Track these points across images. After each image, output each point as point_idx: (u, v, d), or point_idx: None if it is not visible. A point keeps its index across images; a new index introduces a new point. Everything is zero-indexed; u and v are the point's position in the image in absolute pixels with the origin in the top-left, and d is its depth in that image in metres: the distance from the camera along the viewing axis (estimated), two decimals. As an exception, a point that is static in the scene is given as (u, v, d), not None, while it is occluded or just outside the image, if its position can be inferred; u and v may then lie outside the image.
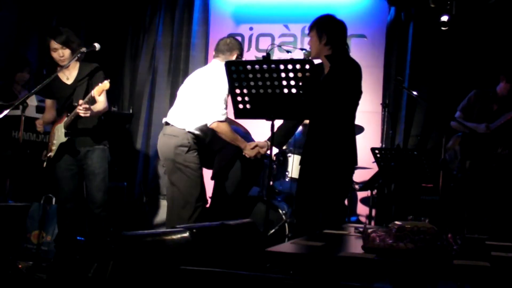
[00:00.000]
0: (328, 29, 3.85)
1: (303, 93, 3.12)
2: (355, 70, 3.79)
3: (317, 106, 3.15)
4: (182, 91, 4.46)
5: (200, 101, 4.29)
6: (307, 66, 3.06)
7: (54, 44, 4.29)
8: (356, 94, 3.83)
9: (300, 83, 3.10)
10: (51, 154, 4.36)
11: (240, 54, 4.45)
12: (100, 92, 4.10)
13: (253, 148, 4.26)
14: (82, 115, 4.04)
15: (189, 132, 4.28)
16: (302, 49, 3.96)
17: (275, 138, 3.96)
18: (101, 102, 4.27)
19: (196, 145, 4.32)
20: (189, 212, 4.23)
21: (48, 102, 4.55)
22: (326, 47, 3.84)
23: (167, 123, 4.37)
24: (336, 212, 3.82)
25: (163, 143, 4.35)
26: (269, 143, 4.10)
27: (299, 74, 3.09)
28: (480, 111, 5.10)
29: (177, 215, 4.28)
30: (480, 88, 5.23)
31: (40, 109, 5.43)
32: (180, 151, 4.24)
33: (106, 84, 4.06)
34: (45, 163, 4.39)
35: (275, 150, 5.49)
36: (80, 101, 4.05)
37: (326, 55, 3.84)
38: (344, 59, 3.83)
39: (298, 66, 3.07)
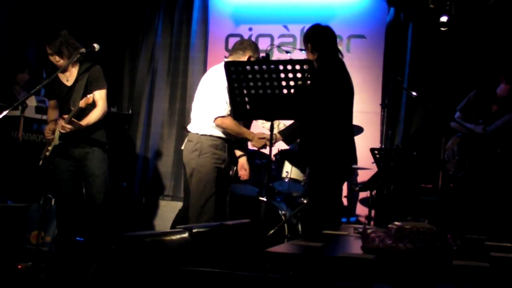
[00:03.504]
0: (311, 38, 4.01)
1: (302, 94, 3.12)
2: (337, 69, 3.87)
3: (312, 106, 3.15)
4: (196, 95, 4.48)
5: (204, 101, 4.30)
6: (306, 67, 3.06)
7: (48, 50, 4.31)
8: (342, 92, 3.87)
9: (299, 84, 3.10)
10: (47, 154, 4.36)
11: (253, 56, 4.38)
12: (85, 104, 4.20)
13: (261, 139, 4.24)
14: (64, 131, 4.20)
15: (203, 135, 4.25)
16: (301, 50, 3.97)
17: (284, 134, 4.00)
18: (94, 112, 4.33)
19: (215, 147, 4.25)
20: (194, 215, 4.23)
21: (51, 102, 4.55)
22: (313, 55, 3.96)
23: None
24: (323, 213, 3.80)
25: (183, 149, 4.41)
26: (278, 136, 4.17)
27: (299, 75, 3.09)
28: (479, 111, 5.10)
29: (190, 219, 4.32)
30: (479, 88, 5.23)
31: (39, 110, 5.43)
32: (193, 156, 4.24)
33: (89, 98, 4.20)
34: (41, 162, 4.38)
35: (274, 150, 5.50)
36: (62, 122, 4.18)
37: (314, 59, 3.93)
38: (328, 60, 3.92)
39: (297, 67, 3.07)
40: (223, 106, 4.21)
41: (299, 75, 3.09)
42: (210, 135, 4.25)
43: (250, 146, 4.63)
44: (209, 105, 4.25)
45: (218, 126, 4.23)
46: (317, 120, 3.72)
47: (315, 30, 4.04)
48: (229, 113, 4.22)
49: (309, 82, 3.08)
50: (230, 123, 4.24)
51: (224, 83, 4.19)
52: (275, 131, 4.25)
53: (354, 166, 6.05)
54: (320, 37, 4.01)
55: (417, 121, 6.26)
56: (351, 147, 3.96)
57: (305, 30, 4.10)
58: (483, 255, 2.45)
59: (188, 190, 4.91)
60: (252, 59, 4.36)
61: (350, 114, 3.98)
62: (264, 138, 4.23)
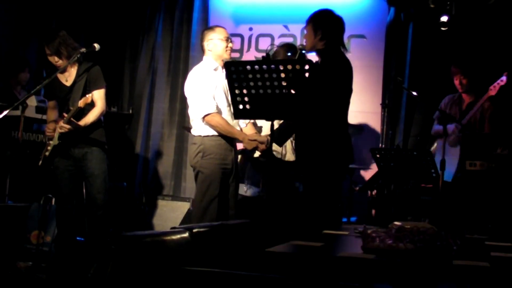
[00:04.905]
0: (324, 24, 3.86)
1: (302, 93, 3.11)
2: (344, 67, 3.78)
3: (310, 104, 3.14)
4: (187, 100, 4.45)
5: (192, 102, 4.29)
6: (307, 67, 3.06)
7: (47, 50, 4.31)
8: (344, 91, 3.81)
9: (299, 83, 3.10)
10: (47, 153, 4.36)
11: (217, 36, 4.31)
12: (84, 104, 4.19)
13: (252, 141, 4.18)
14: (63, 131, 4.19)
15: (206, 136, 4.22)
16: (301, 49, 3.94)
17: (274, 136, 3.95)
18: (93, 112, 4.33)
19: (220, 147, 4.21)
20: (197, 215, 4.23)
21: (50, 103, 4.56)
22: (320, 42, 3.84)
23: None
24: (324, 212, 3.76)
25: (188, 152, 4.41)
26: (269, 139, 4.09)
27: (299, 74, 3.08)
28: (452, 113, 5.16)
29: (192, 218, 4.33)
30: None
31: (39, 110, 5.43)
32: (198, 158, 4.22)
33: (88, 98, 4.19)
34: (40, 161, 4.38)
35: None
36: (61, 123, 4.16)
37: (318, 50, 3.85)
38: (335, 55, 3.82)
39: (297, 67, 3.07)
40: (210, 102, 4.17)
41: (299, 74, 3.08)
42: (213, 135, 4.22)
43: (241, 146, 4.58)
44: (197, 104, 4.22)
45: (207, 124, 4.19)
46: (318, 118, 3.68)
47: (330, 17, 3.89)
48: (216, 110, 4.17)
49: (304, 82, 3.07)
50: (219, 120, 4.17)
51: (207, 79, 4.20)
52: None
53: (355, 166, 6.06)
54: (333, 26, 3.88)
55: (417, 121, 6.26)
56: (348, 145, 3.93)
57: (316, 11, 3.92)
58: (483, 255, 2.45)
59: None
60: (215, 40, 4.29)
61: (347, 112, 3.95)
62: (255, 140, 4.17)
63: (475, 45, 5.96)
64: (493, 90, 5.02)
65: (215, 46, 4.30)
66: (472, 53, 5.95)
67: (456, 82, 5.25)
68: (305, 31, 4.01)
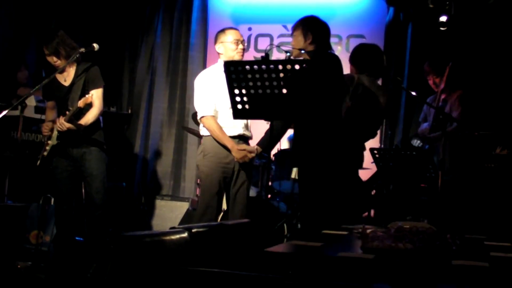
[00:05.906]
0: (314, 28, 3.92)
1: (301, 92, 3.12)
2: (335, 63, 3.83)
3: (311, 104, 3.14)
4: None
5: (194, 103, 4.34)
6: (306, 66, 3.06)
7: (45, 50, 4.31)
8: (340, 87, 3.86)
9: (299, 83, 3.10)
10: (45, 153, 4.35)
11: (228, 39, 4.29)
12: (84, 104, 4.17)
13: (241, 150, 4.19)
14: (61, 129, 4.17)
15: (207, 136, 4.25)
16: (300, 50, 3.94)
17: (262, 144, 3.99)
18: (92, 112, 4.32)
19: (220, 147, 4.20)
20: (198, 213, 4.25)
21: (49, 103, 4.55)
22: (310, 45, 3.90)
23: None
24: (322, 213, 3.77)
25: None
26: (258, 148, 4.10)
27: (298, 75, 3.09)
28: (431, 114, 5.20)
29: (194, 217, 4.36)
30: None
31: (39, 110, 5.43)
32: (200, 157, 4.27)
33: (88, 98, 4.17)
34: (38, 162, 4.38)
35: (274, 150, 5.50)
36: (60, 119, 4.16)
37: (308, 51, 3.89)
38: (326, 54, 3.88)
39: (297, 67, 3.07)
40: (207, 105, 4.19)
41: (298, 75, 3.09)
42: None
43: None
44: (196, 105, 4.27)
45: (203, 125, 4.22)
46: (317, 117, 3.69)
47: (318, 22, 3.97)
48: (213, 113, 4.19)
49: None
50: (212, 124, 4.17)
51: (210, 81, 4.21)
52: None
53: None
54: (322, 30, 3.96)
55: (417, 121, 6.25)
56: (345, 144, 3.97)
57: (303, 17, 4.01)
58: (483, 255, 2.45)
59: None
60: (225, 43, 4.27)
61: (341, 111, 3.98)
62: (244, 150, 4.18)
63: (474, 45, 5.97)
64: (442, 83, 5.04)
65: (226, 49, 4.30)
66: (471, 54, 5.96)
67: (430, 82, 5.26)
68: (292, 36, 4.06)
